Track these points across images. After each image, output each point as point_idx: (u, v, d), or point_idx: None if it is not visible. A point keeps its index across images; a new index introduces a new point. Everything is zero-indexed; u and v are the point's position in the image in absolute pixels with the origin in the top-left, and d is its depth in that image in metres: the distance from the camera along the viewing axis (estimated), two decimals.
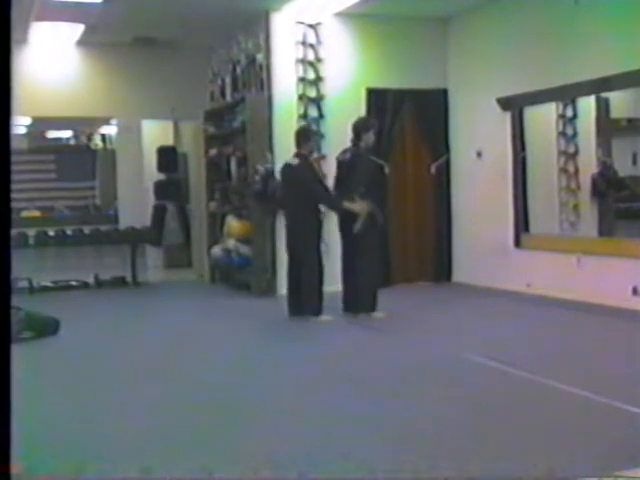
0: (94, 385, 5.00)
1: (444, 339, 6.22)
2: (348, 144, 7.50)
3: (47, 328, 6.62)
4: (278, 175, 7.81)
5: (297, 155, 7.21)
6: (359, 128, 7.26)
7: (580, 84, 7.39)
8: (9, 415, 1.47)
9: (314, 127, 8.62)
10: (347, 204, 7.03)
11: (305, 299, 7.04)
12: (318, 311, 6.98)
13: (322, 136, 8.74)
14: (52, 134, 12.07)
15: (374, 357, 5.66)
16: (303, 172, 7.12)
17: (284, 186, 7.46)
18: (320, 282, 7.04)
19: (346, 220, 7.17)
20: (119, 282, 10.02)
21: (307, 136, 7.38)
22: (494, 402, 4.35)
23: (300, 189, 7.10)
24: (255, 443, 3.72)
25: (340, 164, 7.33)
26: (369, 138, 7.23)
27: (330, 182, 7.61)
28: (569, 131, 8.33)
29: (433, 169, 9.41)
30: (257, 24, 8.87)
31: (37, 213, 10.58)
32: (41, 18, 8.42)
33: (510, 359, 5.24)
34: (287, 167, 7.30)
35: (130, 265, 10.07)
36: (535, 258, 8.18)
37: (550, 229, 8.44)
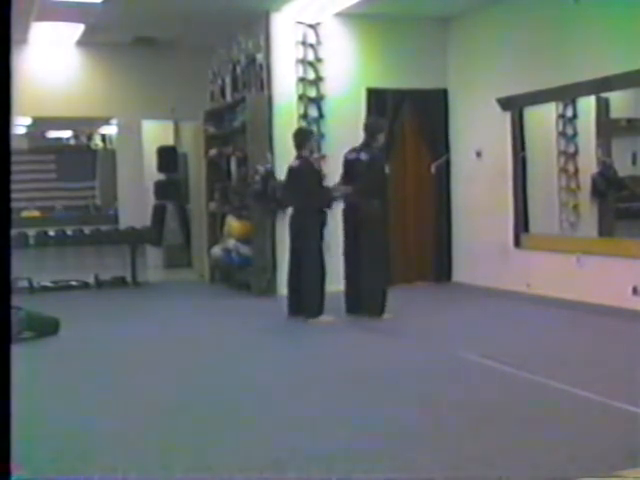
0: (94, 385, 5.00)
1: (444, 339, 6.22)
2: (348, 144, 7.50)
3: (47, 328, 6.63)
4: (280, 176, 7.81)
5: (298, 157, 7.22)
6: (374, 129, 7.26)
7: (580, 84, 7.39)
8: (9, 415, 1.47)
9: (314, 127, 8.65)
10: (336, 193, 7.14)
11: (305, 299, 7.04)
12: (318, 311, 6.97)
13: (322, 136, 8.75)
14: (52, 134, 12.06)
15: (373, 357, 5.65)
16: (304, 173, 7.13)
17: (287, 187, 7.46)
18: (321, 282, 7.03)
19: (348, 219, 7.17)
20: (119, 282, 10.02)
21: (306, 137, 7.38)
22: (493, 402, 4.35)
23: (301, 190, 7.11)
24: (254, 442, 3.72)
25: (352, 163, 7.24)
26: (381, 138, 7.27)
27: (331, 181, 7.61)
28: (569, 131, 8.33)
29: (433, 169, 9.41)
30: (257, 24, 8.88)
31: (37, 213, 10.58)
32: (41, 18, 8.42)
33: (510, 359, 5.24)
34: (289, 170, 7.31)
35: (130, 265, 10.08)
36: (535, 258, 8.17)
37: (550, 229, 8.43)
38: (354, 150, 7.28)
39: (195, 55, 10.10)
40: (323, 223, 7.11)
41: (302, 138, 7.31)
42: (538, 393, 4.53)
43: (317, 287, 6.99)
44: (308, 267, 7.04)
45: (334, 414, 4.17)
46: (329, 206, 7.22)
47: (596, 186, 8.33)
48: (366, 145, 7.21)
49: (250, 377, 5.13)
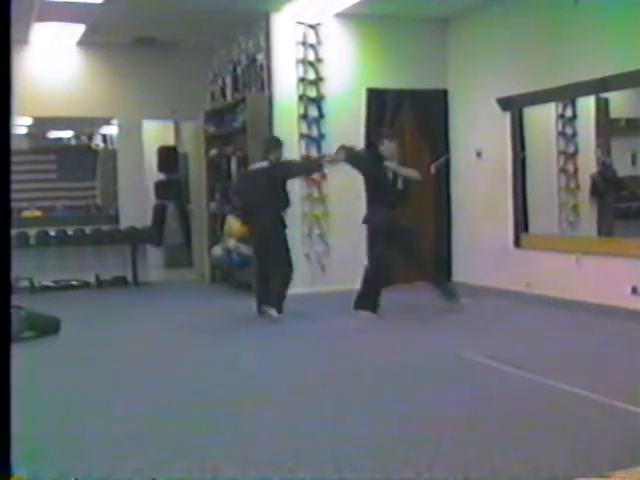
0: (95, 385, 5.02)
1: (444, 338, 6.24)
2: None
3: (48, 327, 6.64)
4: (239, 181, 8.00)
5: (265, 159, 7.27)
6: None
7: (580, 84, 7.40)
8: (9, 415, 1.48)
9: (314, 127, 8.72)
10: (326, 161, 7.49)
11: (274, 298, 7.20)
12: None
13: (322, 136, 8.78)
14: (53, 134, 12.07)
15: (373, 356, 5.67)
16: (276, 170, 7.20)
17: (251, 191, 7.36)
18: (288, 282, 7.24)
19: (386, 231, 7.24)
20: (120, 282, 10.04)
21: (277, 145, 7.41)
22: (493, 401, 4.37)
23: (271, 189, 7.14)
24: (253, 442, 3.74)
25: (381, 174, 7.28)
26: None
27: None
28: (569, 131, 8.35)
29: (433, 169, 9.39)
30: (257, 24, 8.89)
31: (38, 213, 10.60)
32: (42, 19, 8.43)
33: (510, 359, 5.25)
34: (255, 171, 7.34)
35: (131, 265, 10.09)
36: (534, 258, 8.19)
37: (549, 229, 8.45)
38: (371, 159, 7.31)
39: (195, 55, 10.11)
40: (284, 222, 7.31)
41: (275, 145, 7.37)
42: (538, 392, 4.54)
43: (285, 287, 7.20)
44: (277, 267, 7.23)
45: (333, 414, 4.18)
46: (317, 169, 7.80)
47: (595, 186, 8.34)
48: (381, 156, 7.25)
49: (251, 376, 5.15)
